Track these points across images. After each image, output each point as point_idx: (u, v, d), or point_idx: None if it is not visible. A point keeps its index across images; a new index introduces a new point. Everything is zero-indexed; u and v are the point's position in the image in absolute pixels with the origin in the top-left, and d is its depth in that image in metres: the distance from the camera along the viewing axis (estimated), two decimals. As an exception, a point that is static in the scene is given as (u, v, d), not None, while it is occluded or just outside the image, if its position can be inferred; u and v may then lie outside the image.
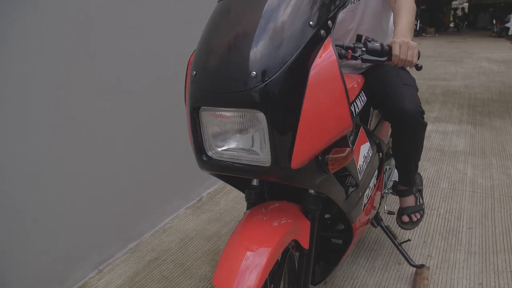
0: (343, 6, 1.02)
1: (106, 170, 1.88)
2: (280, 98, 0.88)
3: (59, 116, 1.65)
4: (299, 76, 0.90)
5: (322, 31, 0.94)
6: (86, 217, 1.81)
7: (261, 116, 0.90)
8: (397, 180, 1.77)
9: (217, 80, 0.93)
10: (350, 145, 1.04)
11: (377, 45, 1.10)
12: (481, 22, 14.31)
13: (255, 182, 1.19)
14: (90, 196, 1.82)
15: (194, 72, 0.98)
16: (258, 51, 0.89)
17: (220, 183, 2.74)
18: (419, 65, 1.14)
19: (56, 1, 1.58)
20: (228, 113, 0.95)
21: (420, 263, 1.81)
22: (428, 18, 14.71)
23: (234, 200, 2.54)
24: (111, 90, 1.87)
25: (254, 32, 0.92)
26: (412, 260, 1.71)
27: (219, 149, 1.01)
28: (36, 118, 1.56)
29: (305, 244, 1.10)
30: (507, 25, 10.52)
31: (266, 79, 0.88)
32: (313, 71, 0.91)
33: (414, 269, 1.77)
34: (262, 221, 1.06)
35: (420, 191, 1.83)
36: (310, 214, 1.13)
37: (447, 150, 3.18)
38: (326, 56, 0.93)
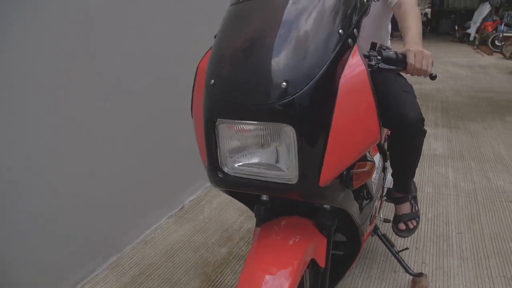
0: (365, 13, 0.97)
1: (81, 182, 1.74)
2: (311, 111, 0.82)
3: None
4: (330, 87, 0.84)
5: (349, 40, 0.88)
6: (60, 231, 1.65)
7: (289, 130, 0.83)
8: (390, 187, 1.74)
9: (240, 90, 0.85)
10: (372, 159, 0.98)
11: (392, 53, 1.05)
12: (443, 27, 14.82)
13: (265, 197, 1.10)
14: (64, 207, 1.67)
15: (212, 80, 0.89)
16: (287, 60, 0.83)
17: (203, 189, 2.63)
18: (433, 74, 1.10)
19: (56, 1, 1.53)
20: (250, 127, 0.87)
21: (415, 270, 1.77)
22: (395, 22, 15.03)
23: (219, 207, 2.43)
24: (110, 91, 1.74)
25: (280, 40, 0.85)
26: (410, 269, 1.68)
27: (237, 165, 0.92)
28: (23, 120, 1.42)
29: (322, 262, 1.02)
30: (468, 31, 10.95)
31: (298, 90, 0.81)
32: (342, 82, 0.85)
33: (411, 277, 1.73)
34: (277, 240, 0.98)
35: (415, 197, 1.80)
36: (325, 230, 1.05)
37: (427, 153, 3.20)
38: (355, 66, 0.88)
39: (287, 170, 0.88)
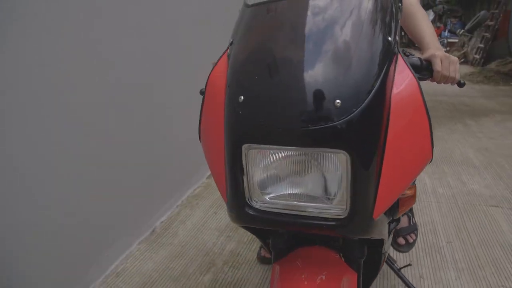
0: (400, 18, 0.85)
1: (31, 212, 1.48)
2: (366, 133, 0.69)
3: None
4: (383, 103, 0.71)
5: (396, 48, 0.76)
6: (10, 272, 1.39)
7: (341, 156, 0.68)
8: None
9: (279, 110, 0.70)
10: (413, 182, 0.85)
11: (416, 59, 0.95)
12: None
13: None
14: (16, 244, 1.40)
15: (241, 97, 0.73)
16: (337, 72, 0.69)
17: (173, 208, 2.41)
18: (462, 81, 0.99)
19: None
20: (291, 152, 0.71)
21: (416, 286, 1.68)
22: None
23: (194, 228, 2.22)
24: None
25: (324, 48, 0.71)
26: (413, 286, 1.57)
27: (269, 197, 0.76)
28: None
29: None
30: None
31: (354, 109, 0.67)
32: (394, 96, 0.73)
33: (414, 295, 1.63)
34: (303, 279, 0.82)
35: (411, 209, 1.71)
36: (355, 263, 0.91)
37: (399, 159, 3.18)
38: (404, 78, 0.76)
39: (335, 203, 0.73)
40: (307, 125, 0.67)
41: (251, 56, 0.79)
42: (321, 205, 0.74)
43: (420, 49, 1.08)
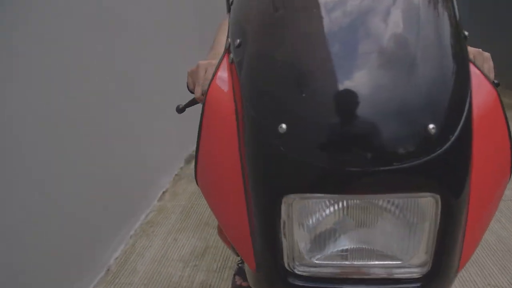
0: None
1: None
2: (460, 167, 0.53)
3: None
4: (471, 123, 0.55)
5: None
6: None
7: (430, 200, 0.53)
8: None
9: (345, 143, 0.51)
10: None
11: None
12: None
13: None
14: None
15: (283, 126, 0.52)
16: (426, 84, 0.52)
17: (127, 239, 2.14)
18: (496, 81, 0.90)
19: None
20: (356, 201, 0.54)
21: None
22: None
23: (154, 260, 1.98)
24: None
25: (402, 53, 0.54)
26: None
27: (316, 260, 0.59)
28: None
29: None
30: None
31: (450, 136, 0.51)
32: (476, 113, 0.57)
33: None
34: None
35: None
36: None
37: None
38: (484, 92, 0.61)
39: (413, 259, 0.58)
40: (389, 163, 0.49)
41: (288, 64, 0.57)
42: (392, 262, 0.59)
43: None
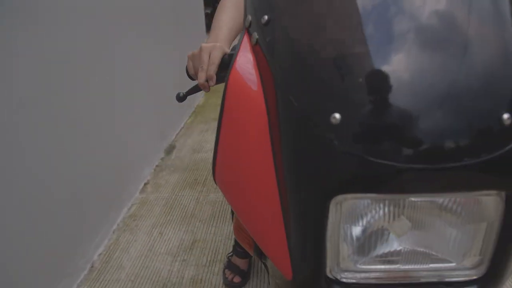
0: None
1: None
2: None
3: None
4: None
5: None
6: None
7: (495, 199, 0.50)
8: None
9: (410, 136, 0.45)
10: None
11: None
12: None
13: None
14: None
15: (336, 116, 0.46)
16: (498, 69, 0.47)
17: (110, 234, 2.06)
18: None
19: None
20: (417, 199, 0.50)
21: None
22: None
23: (141, 255, 1.92)
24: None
25: (474, 34, 0.48)
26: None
27: (360, 263, 0.55)
28: None
29: None
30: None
31: None
32: None
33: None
34: None
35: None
36: None
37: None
38: None
39: (468, 261, 0.55)
40: (460, 159, 0.45)
41: (337, 43, 0.49)
42: (444, 265, 0.56)
43: None
